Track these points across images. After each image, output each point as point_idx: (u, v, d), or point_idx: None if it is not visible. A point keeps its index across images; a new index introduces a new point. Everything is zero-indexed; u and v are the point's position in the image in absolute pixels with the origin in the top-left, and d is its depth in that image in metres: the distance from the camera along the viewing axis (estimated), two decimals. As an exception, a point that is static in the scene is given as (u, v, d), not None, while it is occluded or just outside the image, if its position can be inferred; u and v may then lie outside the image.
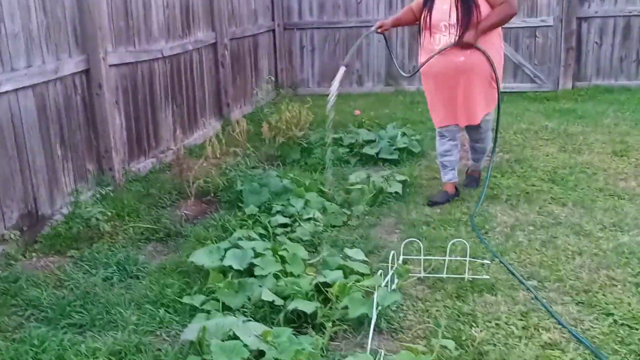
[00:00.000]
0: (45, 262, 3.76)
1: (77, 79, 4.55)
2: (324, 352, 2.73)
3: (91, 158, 4.73)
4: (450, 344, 2.63)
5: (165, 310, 3.13)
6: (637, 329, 2.90)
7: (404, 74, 5.47)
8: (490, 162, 4.80)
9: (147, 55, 5.47)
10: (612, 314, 3.03)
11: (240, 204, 4.52)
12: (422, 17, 4.49)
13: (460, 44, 4.30)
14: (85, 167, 4.65)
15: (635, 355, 2.71)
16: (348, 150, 5.89)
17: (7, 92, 3.80)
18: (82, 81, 4.62)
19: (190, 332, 2.74)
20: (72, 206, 4.24)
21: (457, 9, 4.30)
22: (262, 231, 3.99)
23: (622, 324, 2.95)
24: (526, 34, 8.78)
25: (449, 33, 4.36)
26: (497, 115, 4.72)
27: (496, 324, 2.99)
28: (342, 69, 4.50)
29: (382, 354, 2.52)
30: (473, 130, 4.75)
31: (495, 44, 4.44)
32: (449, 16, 4.32)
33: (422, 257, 3.50)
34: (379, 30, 4.80)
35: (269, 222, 4.12)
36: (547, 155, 5.71)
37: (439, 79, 4.51)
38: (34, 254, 3.84)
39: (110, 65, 4.83)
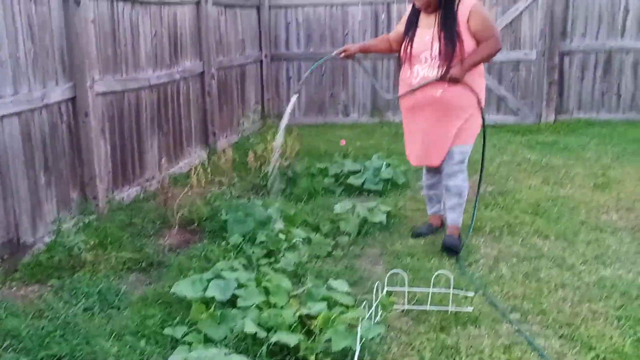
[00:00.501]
0: (26, 291, 3.71)
1: (63, 106, 4.55)
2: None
3: (75, 186, 4.70)
4: (434, 377, 2.62)
5: (146, 341, 3.08)
6: (619, 363, 2.91)
7: (386, 96, 5.57)
8: (477, 193, 4.77)
9: (134, 83, 5.49)
10: (594, 348, 3.04)
11: (224, 234, 4.50)
12: (403, 47, 4.30)
13: (447, 79, 4.11)
14: (68, 194, 4.62)
15: (617, 389, 2.72)
16: (333, 180, 5.91)
17: (-8, 119, 3.79)
18: (69, 109, 4.62)
19: (171, 365, 2.71)
20: (55, 234, 4.20)
21: (439, 40, 4.10)
22: (246, 262, 3.98)
23: (604, 358, 2.96)
24: (510, 67, 8.93)
25: (429, 65, 4.18)
26: (483, 150, 4.61)
27: (479, 358, 2.99)
28: (294, 97, 4.53)
29: (365, 387, 2.50)
30: (445, 163, 4.34)
31: (476, 80, 4.24)
32: (431, 47, 4.12)
33: (406, 289, 3.50)
34: (342, 55, 4.56)
35: (252, 252, 4.10)
36: (530, 188, 5.77)
37: (414, 112, 4.36)
38: (14, 283, 3.79)
39: (97, 94, 4.84)
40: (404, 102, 4.42)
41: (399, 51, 4.39)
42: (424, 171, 4.68)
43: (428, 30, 4.17)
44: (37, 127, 4.24)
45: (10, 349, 3.05)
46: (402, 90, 4.41)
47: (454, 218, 4.39)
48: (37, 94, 4.21)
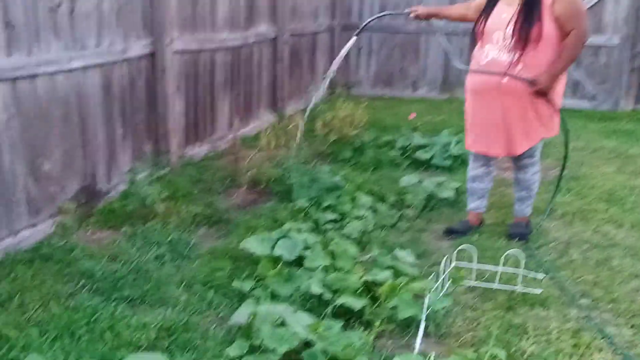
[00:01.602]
0: (100, 236, 3.84)
1: (142, 61, 4.64)
2: (371, 349, 2.71)
3: (149, 139, 4.81)
4: (502, 353, 2.59)
5: (214, 292, 3.16)
6: (695, 358, 2.81)
7: (458, 64, 4.61)
8: (559, 180, 4.37)
9: (210, 44, 5.54)
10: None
11: (290, 197, 4.53)
12: (478, 22, 3.90)
13: (534, 87, 3.70)
14: (143, 147, 4.74)
15: (692, 384, 2.62)
16: (400, 153, 5.86)
17: (76, 69, 3.90)
18: (147, 64, 4.70)
19: (240, 316, 2.77)
20: (128, 184, 4.33)
21: (516, 21, 3.68)
22: (312, 225, 4.00)
23: (679, 352, 2.85)
24: (589, 52, 8.59)
25: (500, 48, 3.76)
26: (566, 141, 4.10)
27: (547, 339, 2.93)
28: (353, 39, 4.36)
29: (432, 356, 2.49)
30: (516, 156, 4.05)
31: (555, 88, 3.81)
32: (506, 26, 3.70)
33: (474, 265, 3.45)
34: (412, 15, 4.22)
35: (318, 217, 4.12)
36: (604, 175, 5.57)
37: (478, 97, 3.96)
38: (89, 227, 3.92)
39: (174, 51, 4.91)
40: (469, 82, 4.03)
41: (475, 22, 3.96)
42: (471, 160, 4.24)
43: (508, 8, 3.76)
44: (116, 80, 4.34)
45: (86, 288, 3.18)
46: (473, 65, 4.03)
47: (522, 209, 4.18)
48: (118, 47, 4.30)
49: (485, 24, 3.84)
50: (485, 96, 3.90)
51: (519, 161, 4.07)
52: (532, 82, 3.70)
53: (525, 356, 2.76)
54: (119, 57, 4.33)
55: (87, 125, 4.06)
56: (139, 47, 4.55)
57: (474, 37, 3.97)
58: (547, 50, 3.70)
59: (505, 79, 3.75)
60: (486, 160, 4.15)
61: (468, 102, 4.11)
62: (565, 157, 4.18)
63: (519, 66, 3.72)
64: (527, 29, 3.65)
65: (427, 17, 4.30)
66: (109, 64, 4.24)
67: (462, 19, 4.28)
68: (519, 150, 3.94)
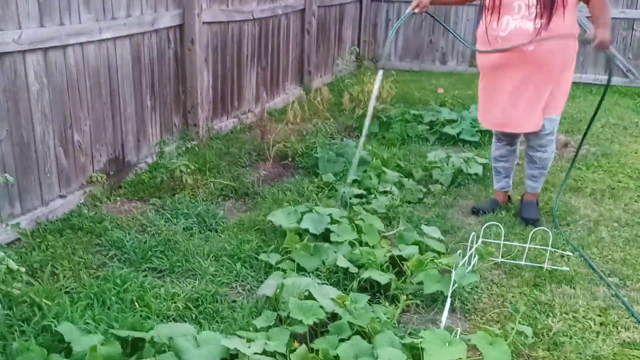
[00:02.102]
0: (129, 207, 3.89)
1: (171, 32, 4.65)
2: (396, 324, 2.73)
3: (178, 112, 4.84)
4: (528, 330, 2.58)
5: (242, 264, 3.20)
6: None
7: (474, 47, 4.08)
8: (576, 154, 4.31)
9: (238, 15, 5.52)
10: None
11: (317, 171, 4.54)
12: None
13: (596, 48, 3.46)
14: (171, 120, 4.77)
15: None
16: (428, 127, 5.81)
17: (106, 39, 3.92)
18: (176, 35, 4.71)
19: (267, 288, 2.80)
20: (157, 156, 4.37)
21: None
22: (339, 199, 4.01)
23: None
24: (623, 26, 8.37)
25: (522, 16, 3.58)
26: (594, 115, 3.95)
27: (573, 317, 2.91)
28: (380, 72, 4.01)
29: (458, 332, 2.49)
30: (532, 133, 3.84)
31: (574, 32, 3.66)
32: None
33: (501, 242, 3.43)
34: (416, 11, 3.90)
35: (344, 192, 4.12)
36: (636, 153, 5.47)
37: (499, 72, 3.75)
38: (118, 198, 3.98)
39: (203, 22, 4.90)
40: (485, 58, 3.82)
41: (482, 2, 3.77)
42: (494, 139, 4.14)
43: None
44: (146, 51, 4.36)
45: (116, 258, 3.23)
46: (481, 44, 3.81)
47: (535, 186, 4.03)
48: (148, 18, 4.31)
49: None
50: (506, 70, 3.71)
51: (538, 139, 3.84)
52: (585, 40, 3.59)
53: (551, 334, 2.75)
54: (149, 28, 4.33)
55: (117, 96, 4.09)
56: (168, 18, 4.55)
57: (487, 12, 3.72)
58: (568, 15, 3.59)
59: (532, 47, 3.58)
60: (510, 139, 4.03)
61: (484, 79, 3.91)
62: (585, 134, 4.08)
63: (543, 33, 3.58)
64: None
65: (429, 5, 3.90)
66: (139, 34, 4.25)
67: (462, 2, 4.36)
68: (539, 126, 3.76)
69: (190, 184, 4.05)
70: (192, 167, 4.14)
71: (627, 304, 3.02)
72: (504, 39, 3.65)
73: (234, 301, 2.87)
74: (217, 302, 2.83)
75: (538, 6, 3.55)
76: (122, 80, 4.12)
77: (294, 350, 2.32)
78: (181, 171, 4.02)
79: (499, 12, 3.66)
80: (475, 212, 4.08)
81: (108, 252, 3.30)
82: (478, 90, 4.03)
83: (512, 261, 3.39)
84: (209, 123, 5.16)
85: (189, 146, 4.63)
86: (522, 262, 3.36)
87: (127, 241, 3.34)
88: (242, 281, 3.07)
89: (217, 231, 3.59)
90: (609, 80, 3.82)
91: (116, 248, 3.31)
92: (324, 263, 3.14)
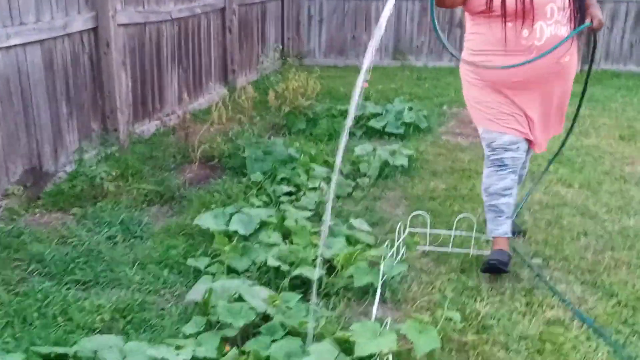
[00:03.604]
0: (49, 218, 3.74)
1: (85, 36, 4.49)
2: (329, 319, 2.72)
3: (96, 117, 4.68)
4: (456, 316, 2.63)
5: (169, 271, 3.12)
6: (641, 311, 2.91)
7: (455, 55, 3.10)
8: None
9: (155, 16, 5.39)
10: (616, 295, 3.03)
11: (244, 171, 4.49)
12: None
13: (598, 24, 3.06)
14: (90, 126, 4.61)
15: (638, 335, 2.72)
16: (354, 122, 5.83)
17: (15, 45, 3.74)
18: (90, 39, 4.55)
19: (196, 293, 2.74)
20: (76, 164, 4.22)
21: None
22: (267, 199, 3.98)
23: (626, 305, 2.95)
24: None
25: (556, 21, 3.00)
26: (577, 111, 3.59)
27: (500, 300, 2.99)
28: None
29: (388, 322, 2.51)
30: (531, 151, 3.43)
31: None
32: None
33: (428, 231, 3.49)
34: None
35: (273, 190, 4.09)
36: (554, 137, 5.66)
37: (524, 88, 3.10)
38: (37, 210, 3.81)
39: (118, 25, 4.76)
40: (501, 72, 3.05)
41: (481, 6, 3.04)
42: (492, 167, 3.23)
43: None
44: (59, 57, 4.19)
45: (36, 272, 3.09)
46: (498, 60, 3.05)
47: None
48: (59, 22, 4.14)
49: None
50: (537, 86, 3.11)
51: (527, 154, 3.41)
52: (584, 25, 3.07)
53: (479, 317, 2.81)
54: (60, 32, 4.16)
55: (30, 104, 3.92)
56: (80, 22, 4.39)
57: (509, 17, 2.99)
58: None
59: (567, 58, 3.10)
60: (516, 162, 3.23)
61: (498, 97, 3.15)
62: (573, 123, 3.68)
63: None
64: None
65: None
66: (50, 39, 4.08)
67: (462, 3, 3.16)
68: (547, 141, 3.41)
69: (112, 191, 3.92)
70: (114, 174, 4.02)
71: (549, 284, 3.12)
72: (540, 48, 3.00)
73: (162, 309, 2.79)
74: (144, 310, 2.74)
75: (571, 8, 3.05)
76: (34, 87, 3.94)
77: (225, 354, 2.28)
78: (102, 178, 3.89)
79: (532, 18, 2.99)
80: (490, 270, 3.14)
81: (28, 266, 3.14)
82: (471, 103, 3.30)
83: (439, 248, 3.45)
84: (130, 127, 5.02)
85: (110, 152, 4.49)
86: (449, 249, 3.42)
87: (47, 254, 3.19)
88: (170, 288, 3.00)
89: (142, 238, 3.49)
90: (590, 63, 3.42)
91: (36, 262, 3.16)
92: (254, 263, 3.11)
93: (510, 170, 3.20)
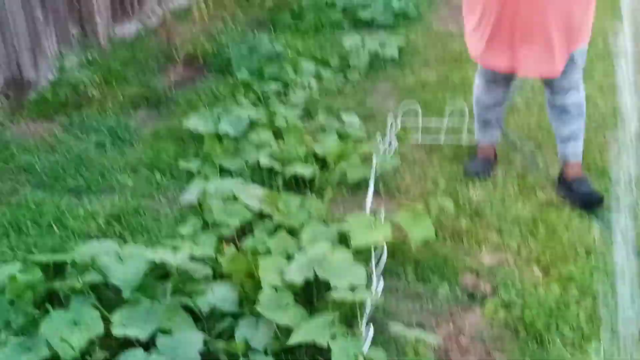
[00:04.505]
0: (35, 128, 3.67)
1: None
2: (324, 215, 2.74)
3: (74, 21, 4.48)
4: (449, 203, 2.65)
5: (161, 174, 3.11)
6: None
7: None
8: None
9: None
10: (608, 175, 3.06)
11: (230, 70, 4.37)
12: None
13: None
14: (68, 30, 4.42)
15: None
16: (341, 14, 5.65)
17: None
18: (58, -64, 4.29)
19: (190, 195, 2.74)
20: (58, 71, 4.09)
21: None
22: (255, 98, 3.90)
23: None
24: None
25: None
26: None
27: (493, 186, 3.01)
28: None
29: (382, 212, 2.53)
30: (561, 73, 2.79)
31: None
32: None
33: (419, 123, 3.45)
34: None
35: (261, 89, 4.00)
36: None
37: None
38: (22, 120, 3.73)
39: None
40: None
41: None
42: (482, 83, 3.11)
43: None
44: (27, -43, 3.96)
45: (27, 183, 3.08)
46: None
47: (578, 152, 2.97)
48: None
49: None
50: None
51: (568, 80, 2.84)
52: None
53: (473, 204, 2.84)
54: None
55: (4, 12, 3.74)
56: None
57: None
58: None
59: None
60: (506, 80, 3.04)
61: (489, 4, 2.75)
62: None
63: None
64: None
65: None
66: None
67: None
68: (578, 62, 2.80)
69: (97, 97, 3.83)
70: (97, 79, 3.91)
71: (540, 168, 3.13)
72: None
73: (158, 212, 2.80)
74: (139, 215, 2.76)
75: None
76: (4, -8, 3.76)
77: (223, 252, 2.30)
78: (85, 85, 3.79)
79: None
80: (472, 175, 3.10)
81: (18, 177, 3.13)
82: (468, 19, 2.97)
83: (431, 139, 3.43)
84: (110, 30, 4.83)
85: (91, 57, 4.34)
86: (441, 141, 3.40)
87: (37, 164, 3.17)
88: (164, 191, 3.00)
89: (131, 143, 3.45)
90: None
91: (26, 172, 3.15)
92: (247, 163, 3.09)
93: (500, 87, 3.07)
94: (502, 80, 3.02)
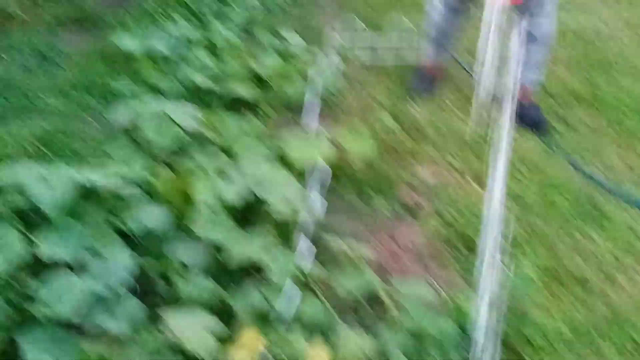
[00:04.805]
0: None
1: None
2: (266, 136, 2.65)
3: None
4: (393, 122, 2.61)
5: (92, 97, 2.94)
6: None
7: None
8: None
9: None
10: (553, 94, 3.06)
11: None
12: None
13: None
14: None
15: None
16: None
17: None
18: None
19: (121, 116, 2.59)
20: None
21: None
22: (190, 15, 3.70)
23: (559, 95, 2.99)
24: None
25: None
26: None
27: (439, 106, 2.97)
28: None
29: (324, 132, 2.47)
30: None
31: None
32: None
33: (364, 40, 3.34)
34: None
35: (197, 5, 3.78)
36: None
37: None
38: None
39: None
40: None
41: None
42: (445, 9, 2.96)
43: None
44: None
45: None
46: None
47: (537, 79, 2.95)
48: None
49: None
50: None
51: (541, 7, 2.73)
52: None
53: (417, 123, 2.80)
54: None
55: None
56: None
57: None
58: None
59: None
60: (462, 2, 2.92)
61: None
62: None
63: None
64: None
65: None
66: None
67: None
68: None
69: (20, 17, 3.57)
70: (20, -3, 3.63)
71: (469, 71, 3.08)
72: None
73: (87, 134, 2.66)
74: (68, 137, 2.61)
75: None
76: None
77: (156, 175, 2.20)
78: (8, 3, 3.52)
79: None
80: (416, 92, 3.07)
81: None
82: None
83: (373, 59, 3.33)
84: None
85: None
86: (386, 59, 3.31)
87: (-45, 88, 2.95)
88: (94, 114, 2.83)
89: (59, 65, 3.24)
90: None
91: (-55, 98, 2.93)
92: (182, 84, 2.94)
93: (450, 7, 2.93)
94: (467, 5, 2.89)
